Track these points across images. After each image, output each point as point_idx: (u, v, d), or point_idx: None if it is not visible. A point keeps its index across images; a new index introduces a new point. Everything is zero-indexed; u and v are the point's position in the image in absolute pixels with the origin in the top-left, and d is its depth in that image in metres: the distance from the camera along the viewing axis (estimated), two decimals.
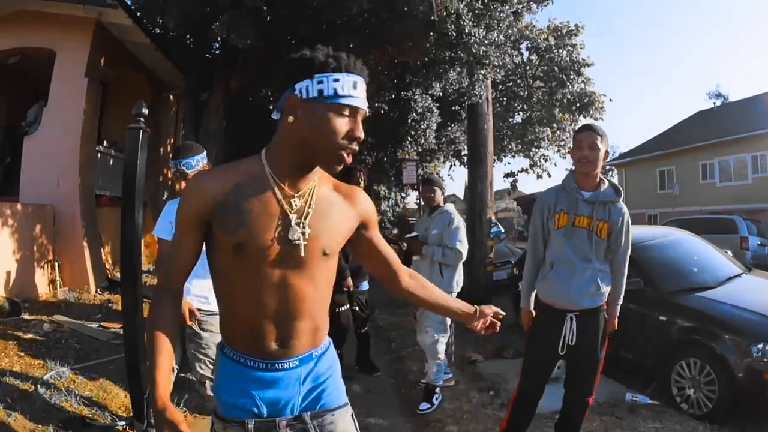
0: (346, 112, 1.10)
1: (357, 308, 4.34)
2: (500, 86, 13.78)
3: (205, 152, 2.89)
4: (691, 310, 4.05)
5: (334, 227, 1.21)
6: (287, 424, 1.21)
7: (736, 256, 6.07)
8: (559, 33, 13.31)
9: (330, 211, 1.21)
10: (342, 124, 1.10)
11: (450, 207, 3.86)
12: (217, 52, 8.69)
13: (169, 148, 10.21)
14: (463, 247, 3.67)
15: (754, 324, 3.68)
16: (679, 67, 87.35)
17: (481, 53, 5.83)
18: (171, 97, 9.93)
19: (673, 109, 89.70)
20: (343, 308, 4.13)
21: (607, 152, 2.53)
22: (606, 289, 2.63)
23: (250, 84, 8.18)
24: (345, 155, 1.13)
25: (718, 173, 19.50)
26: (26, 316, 4.68)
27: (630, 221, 2.63)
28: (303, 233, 1.14)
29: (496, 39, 5.97)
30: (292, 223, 1.14)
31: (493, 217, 8.78)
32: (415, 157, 11.68)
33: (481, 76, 6.58)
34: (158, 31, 7.84)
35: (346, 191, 1.28)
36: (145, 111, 3.29)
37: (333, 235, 1.21)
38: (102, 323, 4.87)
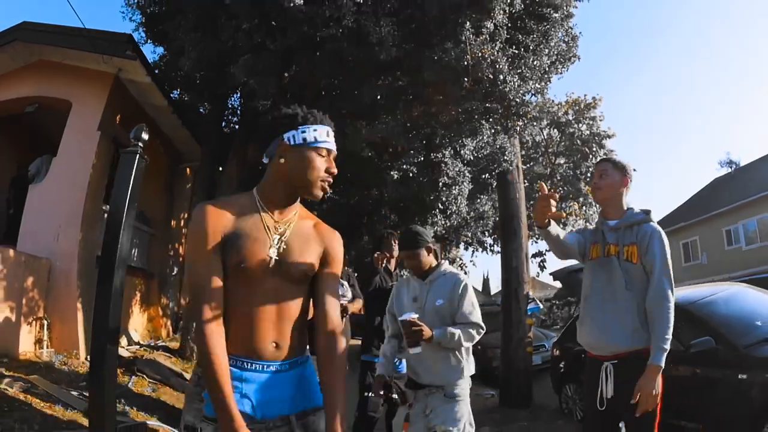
0: (324, 153, 1.44)
1: (395, 395, 3.32)
2: (522, 166, 13.75)
3: None
4: None
5: (306, 251, 1.44)
6: (274, 426, 1.35)
7: None
8: (578, 107, 13.52)
9: (304, 239, 1.46)
10: (322, 162, 1.43)
11: (447, 265, 2.83)
12: (234, 125, 8.76)
13: (182, 223, 10.03)
14: (481, 318, 2.64)
15: None
16: (688, 141, 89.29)
17: (517, 101, 5.52)
18: (188, 170, 9.88)
19: (686, 183, 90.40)
20: (373, 395, 3.26)
21: (626, 180, 2.40)
22: (648, 330, 2.22)
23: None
24: (325, 185, 1.45)
25: (743, 237, 18.92)
26: (3, 371, 4.23)
27: (664, 240, 2.28)
28: (278, 249, 1.39)
29: (532, 88, 5.69)
30: (273, 243, 1.39)
31: (531, 293, 8.01)
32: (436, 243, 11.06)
33: (518, 128, 6.28)
34: (176, 95, 7.92)
35: (322, 229, 1.53)
36: (145, 136, 2.98)
37: (304, 258, 1.43)
38: (84, 393, 4.28)
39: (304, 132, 1.41)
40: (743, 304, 4.55)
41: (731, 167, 24.00)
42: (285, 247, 1.39)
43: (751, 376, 3.58)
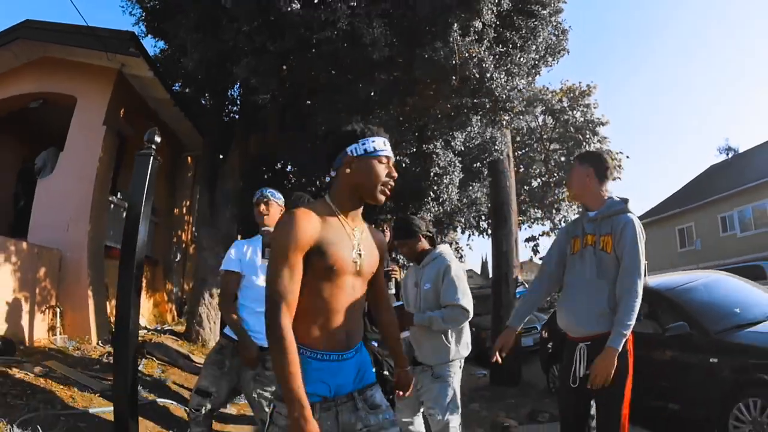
0: (384, 161, 1.62)
1: (386, 372, 3.64)
2: (517, 152, 14.01)
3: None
4: (744, 346, 3.80)
5: (372, 254, 1.70)
6: (341, 402, 1.60)
7: None
8: (572, 94, 13.66)
9: (370, 242, 1.70)
10: (382, 169, 1.61)
11: (443, 249, 2.99)
12: (234, 115, 8.93)
13: (184, 210, 10.25)
14: (467, 301, 2.80)
15: None
16: (687, 127, 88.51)
17: (504, 97, 5.76)
18: (189, 159, 10.07)
19: (684, 168, 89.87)
20: None
21: (592, 170, 2.54)
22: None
23: (268, 147, 8.27)
24: (387, 189, 1.63)
25: (737, 224, 19.10)
26: (19, 358, 4.44)
27: (637, 231, 2.39)
28: (359, 254, 1.62)
29: (518, 84, 5.92)
30: (354, 248, 1.61)
31: (520, 277, 8.36)
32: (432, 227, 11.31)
33: (504, 122, 6.51)
34: (177, 88, 8.07)
35: (373, 231, 1.79)
36: (158, 139, 3.19)
37: (372, 259, 1.70)
38: (99, 375, 4.54)
39: (364, 144, 1.60)
40: (721, 292, 4.75)
41: (728, 154, 24.03)
42: (362, 251, 1.62)
43: (722, 361, 3.80)
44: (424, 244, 2.97)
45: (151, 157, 2.93)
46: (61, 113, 6.54)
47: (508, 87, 5.61)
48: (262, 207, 3.07)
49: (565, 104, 13.41)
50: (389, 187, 1.63)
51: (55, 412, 3.34)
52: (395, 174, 1.64)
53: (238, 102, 8.86)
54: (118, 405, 2.71)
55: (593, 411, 2.50)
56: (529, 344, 8.94)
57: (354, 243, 1.60)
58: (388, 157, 1.63)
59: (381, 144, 1.62)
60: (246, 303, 2.93)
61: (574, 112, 13.27)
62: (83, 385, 4.10)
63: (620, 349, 2.27)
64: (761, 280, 10.36)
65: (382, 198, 1.63)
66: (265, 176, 9.75)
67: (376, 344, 3.65)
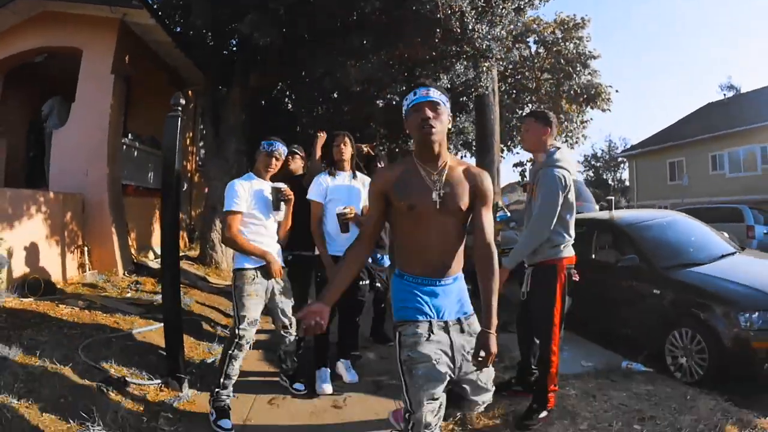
0: (418, 108, 1.82)
1: (378, 284, 4.14)
2: (509, 79, 14.08)
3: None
4: (683, 283, 4.23)
5: (458, 193, 1.86)
6: (452, 324, 1.88)
7: (742, 244, 6.06)
8: (565, 26, 13.53)
9: (458, 183, 1.87)
10: (415, 117, 1.83)
11: None
12: (234, 48, 9.05)
13: (187, 142, 10.61)
14: None
15: (741, 295, 3.87)
16: (691, 60, 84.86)
17: (484, 47, 6.11)
18: (189, 93, 10.27)
19: (684, 101, 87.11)
20: (362, 282, 3.97)
21: (547, 129, 3.00)
22: (550, 248, 2.94)
23: (268, 82, 8.51)
24: (423, 130, 1.81)
25: (727, 164, 19.40)
26: (60, 296, 4.92)
27: (548, 182, 2.84)
28: (439, 195, 1.82)
29: (499, 33, 6.25)
30: (433, 191, 1.83)
31: (500, 203, 9.05)
32: None
33: (485, 68, 6.85)
34: (179, 30, 8.17)
35: (472, 170, 1.95)
36: (182, 101, 3.64)
37: (458, 198, 1.86)
38: (133, 302, 5.16)
39: (405, 102, 1.90)
40: (678, 231, 5.15)
41: (725, 94, 23.72)
42: (445, 191, 1.84)
43: (663, 293, 4.26)
44: None
45: (179, 118, 3.42)
46: (67, 65, 6.71)
47: (489, 37, 6.00)
48: (274, 161, 3.40)
49: (559, 36, 13.34)
50: (425, 127, 1.81)
51: (107, 336, 3.89)
52: (426, 114, 1.80)
53: (237, 37, 8.96)
54: (168, 321, 3.40)
55: None
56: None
57: (433, 185, 1.84)
58: (418, 103, 1.83)
59: (411, 96, 1.86)
60: (250, 237, 3.21)
61: (567, 43, 13.22)
62: (122, 311, 4.71)
63: (509, 267, 2.95)
64: (739, 222, 10.91)
65: (427, 137, 1.82)
66: (263, 102, 10.10)
67: (369, 260, 4.07)
